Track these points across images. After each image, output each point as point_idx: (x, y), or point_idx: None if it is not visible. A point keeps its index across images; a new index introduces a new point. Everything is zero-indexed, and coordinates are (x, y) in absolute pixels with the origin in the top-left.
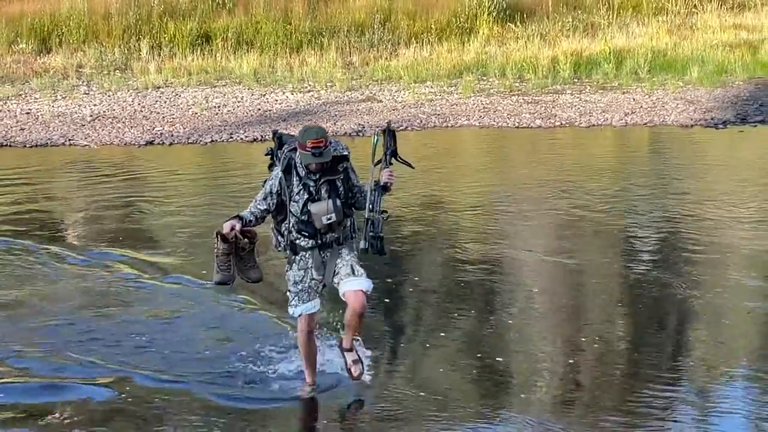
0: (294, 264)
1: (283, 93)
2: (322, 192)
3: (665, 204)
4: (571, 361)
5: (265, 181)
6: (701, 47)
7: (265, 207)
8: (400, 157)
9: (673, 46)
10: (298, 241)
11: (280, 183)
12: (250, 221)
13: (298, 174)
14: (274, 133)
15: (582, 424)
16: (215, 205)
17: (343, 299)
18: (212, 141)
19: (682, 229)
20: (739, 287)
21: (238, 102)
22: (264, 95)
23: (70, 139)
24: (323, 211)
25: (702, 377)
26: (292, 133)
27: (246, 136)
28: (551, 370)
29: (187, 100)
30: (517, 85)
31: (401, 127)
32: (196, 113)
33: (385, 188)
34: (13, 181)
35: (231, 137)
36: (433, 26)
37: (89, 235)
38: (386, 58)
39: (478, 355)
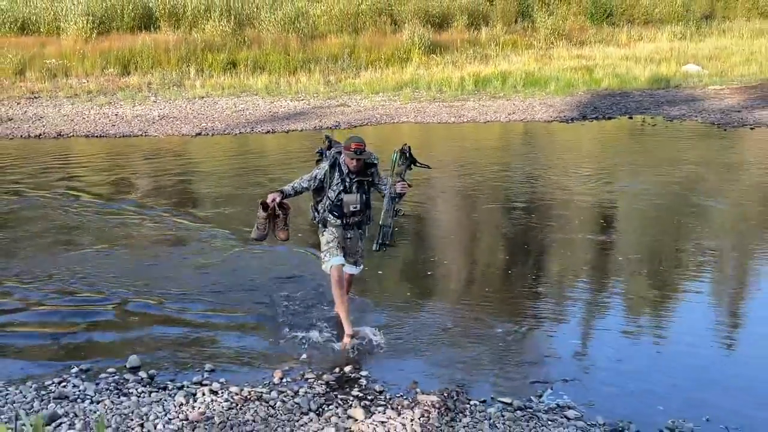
0: (325, 231)
1: (285, 101)
2: (354, 187)
3: (533, 170)
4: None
5: (314, 169)
6: (556, 70)
7: (306, 185)
8: (418, 163)
9: (538, 69)
10: (329, 218)
11: (325, 174)
12: (290, 194)
13: (340, 170)
14: (327, 137)
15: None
16: (243, 175)
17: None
18: (240, 133)
19: (542, 186)
20: (582, 225)
21: (256, 107)
22: (273, 102)
23: (145, 132)
24: (352, 201)
25: (560, 287)
26: (339, 141)
27: (262, 129)
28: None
29: (222, 106)
30: (437, 95)
31: (363, 124)
32: (229, 114)
33: (400, 196)
34: (113, 159)
35: (252, 130)
36: (382, 56)
37: (159, 196)
38: (352, 78)
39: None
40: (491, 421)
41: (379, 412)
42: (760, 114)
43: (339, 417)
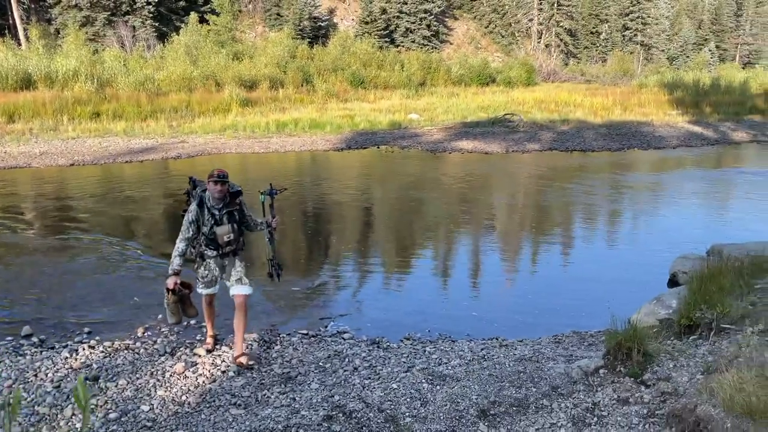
0: (202, 266)
1: (139, 139)
2: (224, 219)
3: (321, 187)
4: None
5: (183, 217)
6: (330, 117)
7: (190, 235)
8: (279, 190)
9: (318, 116)
10: (205, 252)
11: (195, 214)
12: (181, 266)
13: (207, 206)
14: (190, 178)
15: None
16: (109, 192)
17: (232, 297)
18: (104, 163)
19: (328, 190)
20: (355, 213)
21: (116, 144)
22: (129, 140)
23: (29, 165)
24: (225, 232)
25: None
26: (201, 179)
27: (122, 160)
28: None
29: (90, 144)
30: (251, 134)
31: (199, 154)
32: (95, 150)
33: (272, 228)
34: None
35: (114, 161)
36: (210, 108)
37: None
38: (189, 123)
39: None
40: (294, 345)
41: (217, 349)
42: (454, 144)
43: (187, 355)
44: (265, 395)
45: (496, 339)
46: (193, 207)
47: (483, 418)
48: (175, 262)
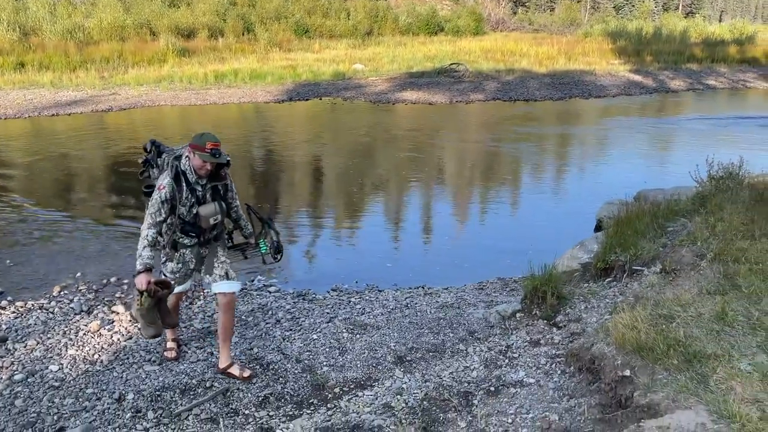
0: (174, 259)
1: (67, 92)
2: (208, 195)
3: (267, 135)
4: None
5: (147, 194)
6: (272, 68)
7: (162, 218)
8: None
9: (260, 67)
10: (180, 240)
11: (171, 190)
12: (152, 259)
13: (186, 180)
14: (153, 142)
15: None
16: (34, 144)
17: (214, 297)
18: (29, 116)
19: (274, 144)
20: (304, 168)
21: (42, 97)
22: (57, 93)
23: None
24: (211, 212)
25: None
26: (173, 146)
27: (48, 114)
28: None
29: (13, 97)
30: (188, 86)
31: (132, 107)
32: (19, 103)
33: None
34: None
35: (39, 114)
36: (145, 58)
37: None
38: (122, 74)
39: None
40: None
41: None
42: (398, 95)
43: (105, 313)
44: (182, 350)
45: (422, 287)
46: (167, 181)
47: (399, 363)
48: (145, 255)
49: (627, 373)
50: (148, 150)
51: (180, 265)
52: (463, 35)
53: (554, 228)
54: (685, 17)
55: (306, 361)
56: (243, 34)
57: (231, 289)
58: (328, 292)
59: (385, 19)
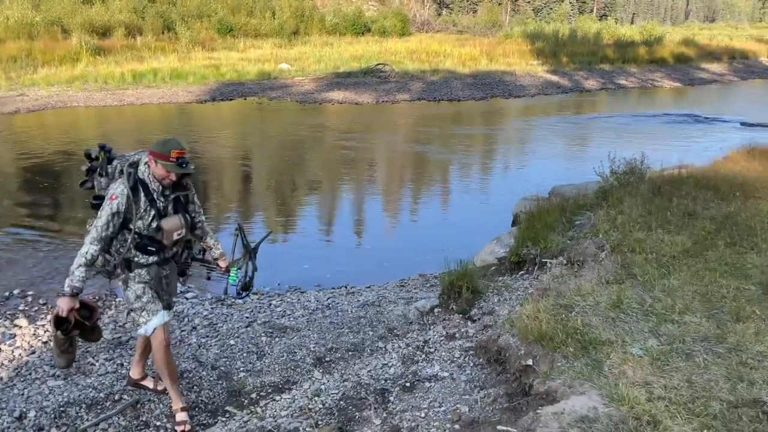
0: (130, 281)
1: None
2: (170, 207)
3: (190, 136)
4: None
5: (95, 207)
6: (194, 67)
7: (110, 232)
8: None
9: (181, 66)
10: (137, 259)
11: (127, 201)
12: (83, 283)
13: (146, 190)
14: (102, 147)
15: None
16: None
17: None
18: None
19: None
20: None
21: None
22: None
23: None
24: (176, 226)
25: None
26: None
27: None
28: None
29: None
30: (104, 86)
31: (41, 109)
32: None
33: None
34: None
35: None
36: (56, 57)
37: None
38: (30, 74)
39: None
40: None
41: (41, 318)
42: (325, 95)
43: (6, 327)
44: (89, 363)
45: (345, 287)
46: (120, 190)
47: (318, 365)
48: (77, 275)
49: (530, 362)
50: (94, 157)
51: (142, 285)
52: (389, 36)
53: (476, 224)
54: (599, 20)
55: (222, 368)
56: (163, 33)
57: (168, 319)
58: (249, 296)
59: (312, 18)
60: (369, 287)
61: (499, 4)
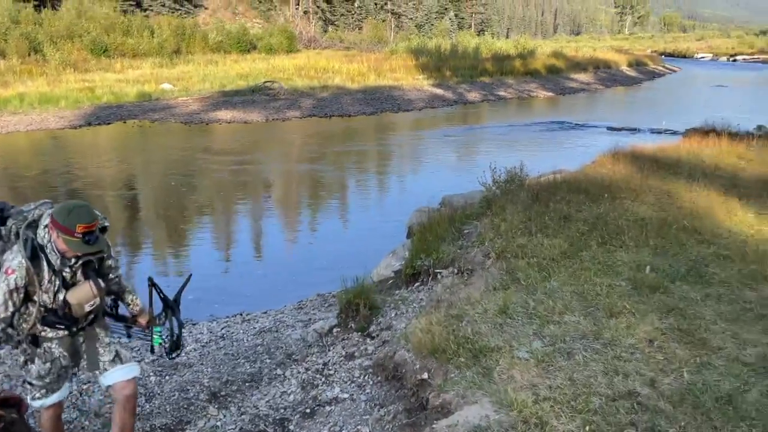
0: (37, 358)
1: None
2: (78, 274)
3: (63, 165)
4: None
5: None
6: (65, 91)
7: (12, 311)
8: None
9: (51, 90)
10: (43, 333)
11: (27, 273)
12: None
13: (47, 259)
14: None
15: None
16: None
17: (110, 391)
18: None
19: (76, 178)
20: (121, 189)
21: None
22: None
23: None
24: (86, 297)
25: None
26: (15, 205)
27: None
28: None
29: None
30: None
31: None
32: None
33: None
34: None
35: None
36: None
37: None
38: None
39: None
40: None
41: None
42: (212, 115)
43: None
44: None
45: (240, 314)
46: (17, 262)
47: (213, 400)
48: None
49: (425, 376)
50: None
51: (48, 365)
52: (276, 53)
53: (373, 238)
54: (478, 35)
55: (107, 415)
56: (29, 55)
57: (128, 376)
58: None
59: (194, 37)
60: (265, 313)
61: (383, 21)
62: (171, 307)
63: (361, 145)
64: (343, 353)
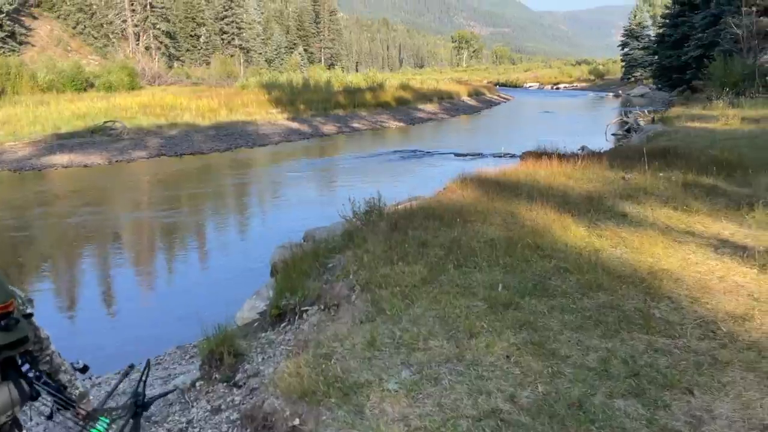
0: None
1: None
2: None
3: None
4: None
5: None
6: None
7: None
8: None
9: None
10: None
11: None
12: None
13: None
14: None
15: None
16: None
17: None
18: None
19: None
20: None
21: None
22: None
23: None
24: (4, 406)
25: None
26: None
27: None
28: None
29: None
30: None
31: None
32: None
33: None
34: None
35: None
36: None
37: None
38: None
39: None
40: None
41: None
42: (45, 160)
43: None
44: None
45: (89, 379)
46: None
47: None
48: None
49: (296, 422)
50: None
51: None
52: (117, 91)
53: (235, 281)
54: (328, 68)
55: None
56: None
57: None
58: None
59: (20, 76)
60: (118, 372)
61: (232, 56)
62: (139, 406)
63: (216, 184)
64: (209, 407)
